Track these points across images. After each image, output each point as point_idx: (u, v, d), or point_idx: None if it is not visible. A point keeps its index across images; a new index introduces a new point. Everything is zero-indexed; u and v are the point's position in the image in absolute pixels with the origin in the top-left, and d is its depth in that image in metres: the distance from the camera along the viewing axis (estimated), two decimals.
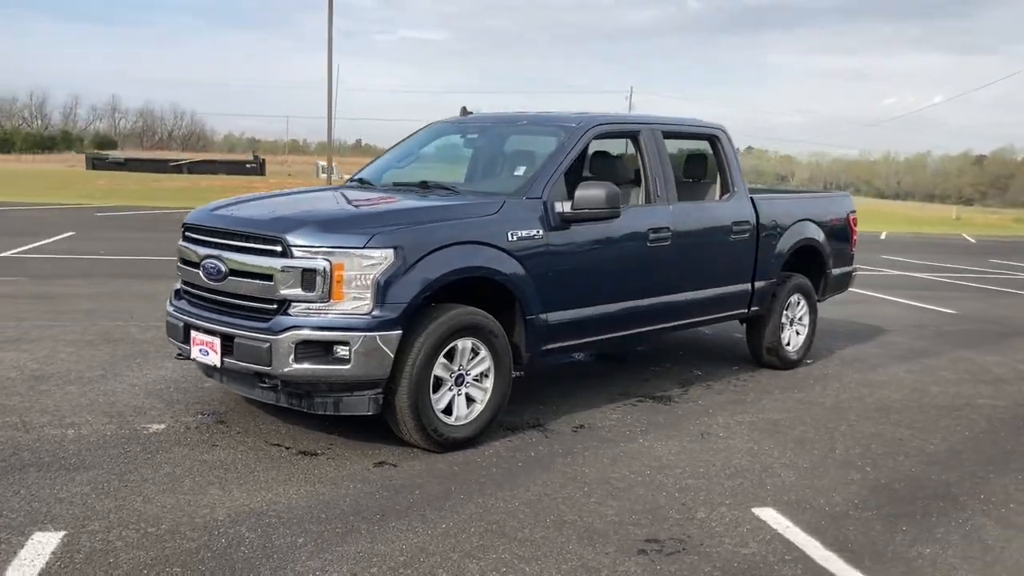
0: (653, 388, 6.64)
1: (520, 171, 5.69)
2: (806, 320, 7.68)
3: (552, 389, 6.47)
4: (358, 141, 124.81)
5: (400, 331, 4.65)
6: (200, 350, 4.94)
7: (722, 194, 6.94)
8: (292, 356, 4.56)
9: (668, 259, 6.13)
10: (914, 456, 5.34)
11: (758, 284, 7.05)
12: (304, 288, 4.59)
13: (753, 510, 4.37)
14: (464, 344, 4.97)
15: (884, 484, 4.84)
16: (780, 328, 7.37)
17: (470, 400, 5.09)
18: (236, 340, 4.72)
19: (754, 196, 7.06)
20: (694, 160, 7.18)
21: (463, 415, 5.04)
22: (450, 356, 4.94)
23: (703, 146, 7.03)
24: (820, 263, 7.82)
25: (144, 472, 4.48)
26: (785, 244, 7.29)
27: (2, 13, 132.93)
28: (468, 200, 5.39)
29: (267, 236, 4.73)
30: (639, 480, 4.71)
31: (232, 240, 4.90)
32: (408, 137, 6.86)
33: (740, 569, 3.73)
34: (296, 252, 4.61)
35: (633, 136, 6.22)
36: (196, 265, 5.06)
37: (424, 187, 5.76)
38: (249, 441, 5.04)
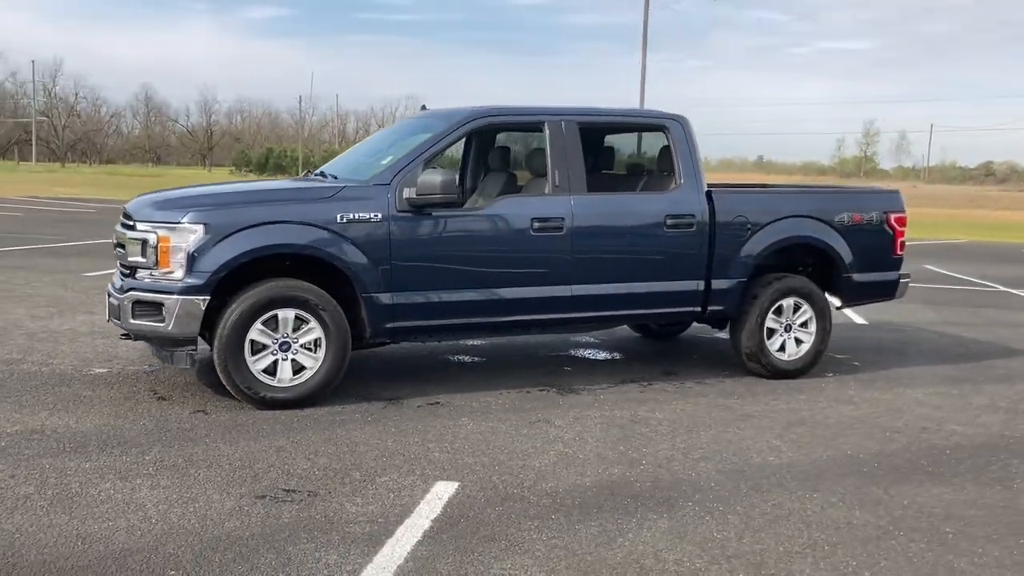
0: (577, 381, 6.59)
1: (386, 160, 6.09)
2: (812, 327, 6.98)
3: (473, 374, 6.72)
4: (760, 157, 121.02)
5: (206, 296, 5.36)
6: (105, 308, 6.07)
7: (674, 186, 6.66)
8: (130, 313, 5.49)
9: (562, 250, 6.11)
10: (725, 463, 4.89)
11: (717, 283, 6.63)
12: (142, 256, 5.50)
13: (438, 482, 4.45)
14: (286, 314, 5.53)
15: (630, 482, 4.57)
16: (763, 333, 6.80)
17: (301, 366, 5.63)
18: (109, 299, 5.78)
19: (713, 190, 6.66)
20: (660, 153, 6.94)
21: (287, 378, 5.59)
22: (274, 324, 5.53)
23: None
24: (834, 266, 7.07)
25: (23, 399, 5.66)
26: (761, 242, 6.74)
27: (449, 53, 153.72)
28: (306, 184, 5.96)
29: (128, 213, 5.74)
30: (382, 447, 4.95)
31: (122, 219, 5.97)
32: (382, 131, 7.51)
33: (305, 519, 3.93)
34: (138, 226, 5.54)
35: (535, 128, 6.29)
36: None
37: (321, 176, 6.44)
38: (138, 386, 6.04)
